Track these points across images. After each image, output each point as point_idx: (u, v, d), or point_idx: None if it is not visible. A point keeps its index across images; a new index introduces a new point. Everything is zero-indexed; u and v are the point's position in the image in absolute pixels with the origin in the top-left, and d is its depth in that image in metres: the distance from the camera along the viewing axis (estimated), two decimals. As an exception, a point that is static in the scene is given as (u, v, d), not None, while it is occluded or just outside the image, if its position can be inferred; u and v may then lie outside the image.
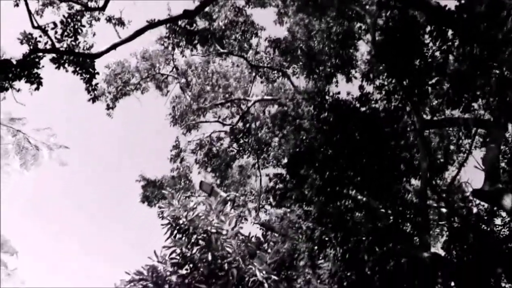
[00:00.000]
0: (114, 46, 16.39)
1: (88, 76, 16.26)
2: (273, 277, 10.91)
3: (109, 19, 18.31)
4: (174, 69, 24.15)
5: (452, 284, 11.27)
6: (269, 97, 23.23)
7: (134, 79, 23.54)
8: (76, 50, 15.83)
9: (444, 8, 10.77)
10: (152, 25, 16.73)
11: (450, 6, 10.73)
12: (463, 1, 10.17)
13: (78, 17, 16.00)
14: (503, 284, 11.62)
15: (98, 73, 16.45)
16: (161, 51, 23.48)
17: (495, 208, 13.47)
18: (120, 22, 18.48)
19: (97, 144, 58.35)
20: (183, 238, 11.35)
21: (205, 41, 22.61)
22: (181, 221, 11.39)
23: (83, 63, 16.03)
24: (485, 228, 13.24)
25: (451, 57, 11.58)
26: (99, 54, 16.14)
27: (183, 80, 24.08)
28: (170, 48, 22.78)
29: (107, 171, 59.32)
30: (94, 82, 16.43)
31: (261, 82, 24.57)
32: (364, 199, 13.85)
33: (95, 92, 17.08)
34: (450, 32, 11.31)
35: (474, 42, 10.31)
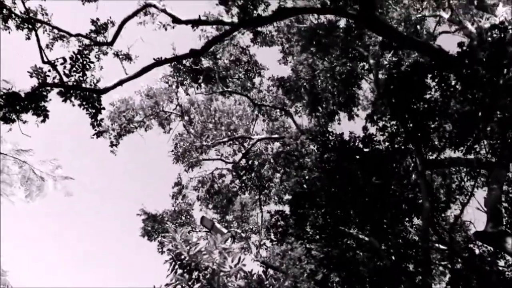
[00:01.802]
0: (120, 83, 16.67)
1: (94, 111, 16.47)
2: (275, 315, 10.81)
3: (116, 54, 18.66)
4: (178, 107, 24.43)
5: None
6: (273, 136, 23.44)
7: (138, 116, 23.78)
8: (83, 85, 16.09)
9: (447, 52, 11.05)
10: (158, 63, 17.04)
11: (453, 51, 11.02)
12: (465, 47, 10.44)
13: (87, 52, 16.32)
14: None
15: (104, 108, 16.65)
16: (165, 89, 23.82)
17: (497, 250, 13.43)
18: (128, 57, 18.83)
19: (101, 178, 58.32)
20: (185, 275, 11.28)
21: (209, 79, 22.96)
22: (183, 257, 11.35)
23: (89, 98, 16.27)
24: (488, 269, 13.15)
25: (453, 101, 11.78)
26: (106, 90, 16.40)
27: (186, 118, 24.35)
28: (174, 86, 23.14)
29: (109, 204, 59.20)
30: (99, 117, 16.62)
31: (263, 120, 24.86)
32: (366, 238, 13.82)
33: (100, 127, 17.25)
34: (452, 77, 11.53)
35: (475, 87, 10.51)
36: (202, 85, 23.13)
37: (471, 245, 15.00)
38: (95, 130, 17.23)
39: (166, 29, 19.54)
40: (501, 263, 14.35)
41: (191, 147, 24.03)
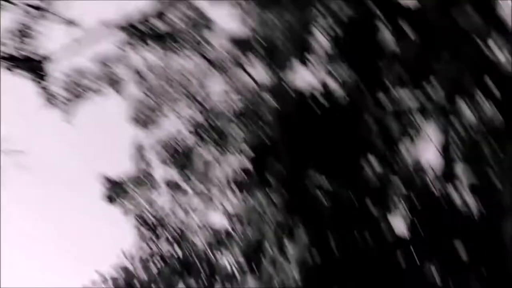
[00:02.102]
0: (68, 49, 16.10)
1: (40, 80, 15.92)
2: (243, 265, 11.08)
3: (62, 20, 17.88)
4: (131, 70, 23.77)
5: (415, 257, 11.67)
6: (228, 89, 23.21)
7: (91, 82, 23.03)
8: (30, 56, 15.49)
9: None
10: (106, 24, 16.48)
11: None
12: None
13: (33, 22, 15.63)
14: (462, 256, 12.10)
15: (53, 77, 16.10)
16: (116, 53, 23.09)
17: (453, 185, 13.96)
18: (73, 23, 18.10)
19: (56, 148, 56.96)
20: (151, 234, 11.36)
21: (160, 39, 22.40)
22: (147, 218, 11.41)
23: (36, 67, 15.69)
24: (443, 200, 13.68)
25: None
26: (53, 59, 15.83)
27: (141, 80, 23.76)
28: (126, 49, 22.45)
29: (67, 174, 57.99)
30: (49, 86, 16.08)
31: (219, 75, 24.54)
32: (327, 183, 14.10)
33: (51, 97, 16.72)
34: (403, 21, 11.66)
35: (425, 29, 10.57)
36: (154, 45, 22.57)
37: (429, 183, 15.49)
38: (47, 100, 16.69)
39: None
40: (455, 195, 14.93)
41: (147, 108, 23.60)
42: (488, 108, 16.22)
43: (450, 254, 11.61)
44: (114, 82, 24.11)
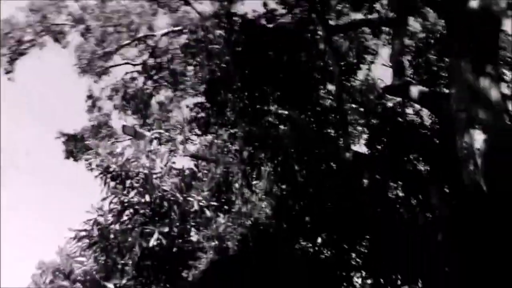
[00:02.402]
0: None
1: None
2: (213, 203, 11.31)
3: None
4: (69, 17, 22.63)
5: (377, 176, 12.20)
6: (176, 28, 22.61)
7: (28, 35, 21.87)
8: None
9: None
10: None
11: None
12: None
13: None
14: (419, 167, 12.74)
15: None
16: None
17: (406, 100, 14.39)
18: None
19: (4, 110, 54.77)
20: (118, 186, 11.36)
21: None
22: (111, 169, 11.34)
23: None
24: (400, 120, 14.19)
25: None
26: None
27: (82, 26, 22.71)
28: (59, -5, 21.27)
29: (23, 134, 56.39)
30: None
31: (164, 14, 23.73)
32: (286, 112, 14.29)
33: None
34: None
35: None
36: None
37: (383, 101, 15.94)
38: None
39: None
40: (410, 110, 15.49)
41: (95, 56, 22.78)
42: (432, 16, 16.50)
43: (409, 169, 12.17)
44: (55, 33, 23.04)
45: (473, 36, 9.58)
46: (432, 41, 16.36)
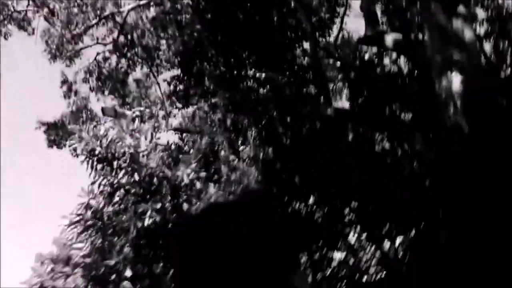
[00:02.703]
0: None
1: None
2: (202, 174, 11.38)
3: None
4: (31, 2, 21.98)
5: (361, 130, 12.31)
6: (142, 1, 22.15)
7: (-12, 24, 21.24)
8: None
9: None
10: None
11: None
12: None
13: None
14: (401, 116, 12.85)
15: None
16: (8, -15, 21.16)
17: (382, 50, 14.39)
18: None
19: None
20: (105, 168, 11.35)
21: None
22: (97, 152, 11.31)
23: None
24: (378, 70, 14.23)
25: None
26: None
27: (46, 10, 22.08)
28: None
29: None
30: None
31: (129, -13, 23.19)
32: (264, 75, 14.23)
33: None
34: None
35: None
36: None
37: (360, 53, 15.90)
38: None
39: None
40: (387, 60, 15.49)
41: (63, 40, 22.27)
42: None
43: (392, 119, 12.28)
44: (18, 21, 22.42)
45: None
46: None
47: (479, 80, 8.76)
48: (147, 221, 10.06)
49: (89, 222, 10.69)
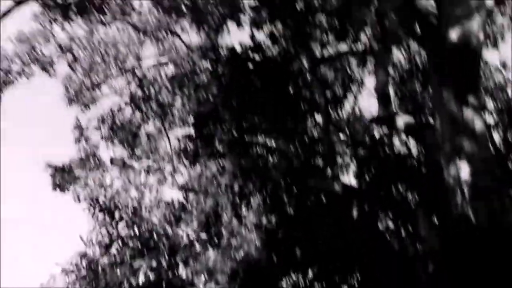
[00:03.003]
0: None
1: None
2: (202, 236, 11.29)
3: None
4: (57, 47, 22.75)
5: (366, 207, 12.25)
6: (163, 60, 22.82)
7: (15, 65, 21.90)
8: None
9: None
10: (20, 2, 15.54)
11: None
12: None
13: None
14: (408, 198, 12.82)
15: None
16: (38, 30, 21.95)
17: (392, 131, 14.56)
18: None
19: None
20: (106, 218, 11.31)
21: (83, 11, 21.47)
22: (100, 200, 11.31)
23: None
24: (387, 150, 14.34)
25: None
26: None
27: (70, 57, 22.82)
28: (47, 25, 21.37)
29: (11, 165, 55.79)
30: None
31: (151, 45, 24.00)
32: (274, 143, 14.39)
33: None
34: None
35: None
36: (77, 18, 21.63)
37: (370, 131, 16.11)
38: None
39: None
40: (397, 141, 15.65)
41: (82, 86, 22.84)
42: (415, 47, 16.89)
43: (398, 200, 12.25)
44: (43, 63, 23.09)
45: (454, 67, 9.81)
46: (416, 71, 16.70)
47: (488, 170, 8.78)
48: (141, 278, 9.88)
49: (83, 273, 10.52)
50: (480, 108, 10.27)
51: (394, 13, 11.58)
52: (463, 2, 10.63)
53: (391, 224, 12.19)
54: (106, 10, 22.21)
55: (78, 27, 22.69)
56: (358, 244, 11.42)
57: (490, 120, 15.63)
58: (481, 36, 10.26)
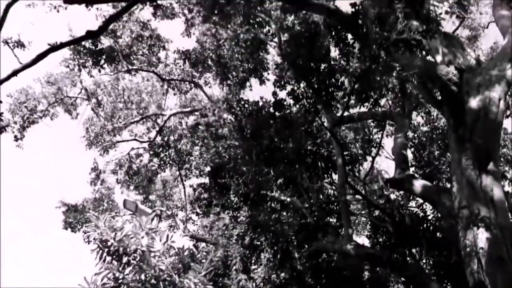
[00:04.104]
0: (15, 73, 15.52)
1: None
2: (209, 287, 11.05)
3: (6, 42, 17.33)
4: (83, 91, 23.44)
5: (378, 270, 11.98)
6: (185, 109, 23.27)
7: (41, 105, 22.55)
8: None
9: (343, 12, 11.46)
10: (54, 48, 16.05)
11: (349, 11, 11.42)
12: (357, 7, 10.88)
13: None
14: (422, 262, 12.53)
15: (1, 102, 15.57)
16: (66, 73, 22.68)
17: (408, 193, 14.45)
18: (20, 44, 17.54)
19: (10, 175, 54.99)
20: (114, 261, 11.17)
21: (111, 59, 22.21)
22: (109, 243, 11.19)
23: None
24: (403, 212, 14.18)
25: (352, 59, 12.30)
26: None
27: (94, 101, 23.46)
28: (76, 69, 22.11)
29: (25, 202, 56.30)
30: (-2, 112, 15.52)
31: (174, 94, 24.56)
32: (289, 199, 14.34)
33: (1, 123, 16.16)
34: (350, 36, 12.04)
35: (370, 44, 10.99)
36: (106, 65, 22.35)
37: (386, 193, 16.01)
38: (-4, 125, 16.13)
39: (58, 11, 18.52)
40: (413, 203, 15.51)
41: (103, 130, 23.29)
42: (435, 112, 16.99)
43: (411, 264, 11.96)
44: (67, 105, 23.70)
45: (474, 134, 9.81)
46: (435, 135, 16.73)
47: (506, 238, 8.57)
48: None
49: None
50: (499, 176, 10.17)
51: (415, 78, 11.72)
52: (484, 71, 10.80)
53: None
54: (133, 59, 22.97)
55: (104, 74, 23.46)
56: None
57: (509, 188, 15.43)
58: (501, 105, 10.32)
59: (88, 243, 12.01)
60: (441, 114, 14.45)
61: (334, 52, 13.75)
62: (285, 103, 14.96)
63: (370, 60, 10.80)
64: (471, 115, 10.10)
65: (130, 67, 22.76)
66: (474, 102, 10.25)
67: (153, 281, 11.11)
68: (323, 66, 12.93)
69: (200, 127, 19.15)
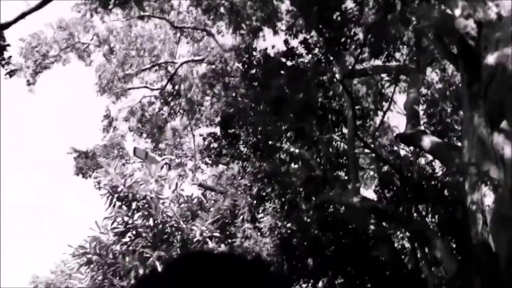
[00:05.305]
0: (23, 15, 15.41)
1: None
2: (216, 234, 11.24)
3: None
4: (95, 37, 23.18)
5: (384, 224, 12.07)
6: (196, 58, 23.00)
7: (53, 50, 22.39)
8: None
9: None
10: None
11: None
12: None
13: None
14: (428, 219, 12.60)
15: (9, 45, 15.45)
16: (78, 18, 22.38)
17: (418, 149, 14.35)
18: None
19: (23, 120, 55.56)
20: (123, 206, 11.36)
21: (123, 4, 21.82)
22: (119, 189, 11.36)
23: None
24: (411, 168, 14.13)
25: (366, 9, 11.96)
26: (7, 25, 15.16)
27: (106, 47, 23.21)
28: (88, 15, 21.78)
29: (36, 147, 57.03)
30: (6, 55, 15.46)
31: (187, 43, 24.23)
32: (298, 151, 14.33)
33: (11, 66, 16.10)
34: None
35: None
36: (118, 11, 21.99)
37: (396, 148, 15.93)
38: (6, 69, 16.09)
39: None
40: (422, 160, 15.44)
41: (115, 77, 23.17)
42: (450, 68, 16.63)
43: (417, 220, 12.02)
44: (79, 51, 23.54)
45: (488, 90, 9.60)
46: (448, 92, 16.45)
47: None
48: (148, 268, 9.88)
49: (94, 257, 10.57)
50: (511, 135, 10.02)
51: (432, 31, 11.38)
52: (505, 27, 10.44)
53: (407, 243, 11.97)
54: (145, 5, 22.55)
55: (116, 20, 23.14)
56: (371, 259, 11.24)
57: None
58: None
59: (99, 189, 12.20)
60: (456, 70, 14.13)
61: (349, 0, 13.39)
62: (297, 52, 14.69)
63: (385, 10, 10.48)
64: (487, 71, 9.84)
65: (142, 13, 22.38)
66: (491, 58, 9.95)
67: (160, 226, 11.34)
68: (335, 15, 12.57)
69: (210, 75, 18.99)
